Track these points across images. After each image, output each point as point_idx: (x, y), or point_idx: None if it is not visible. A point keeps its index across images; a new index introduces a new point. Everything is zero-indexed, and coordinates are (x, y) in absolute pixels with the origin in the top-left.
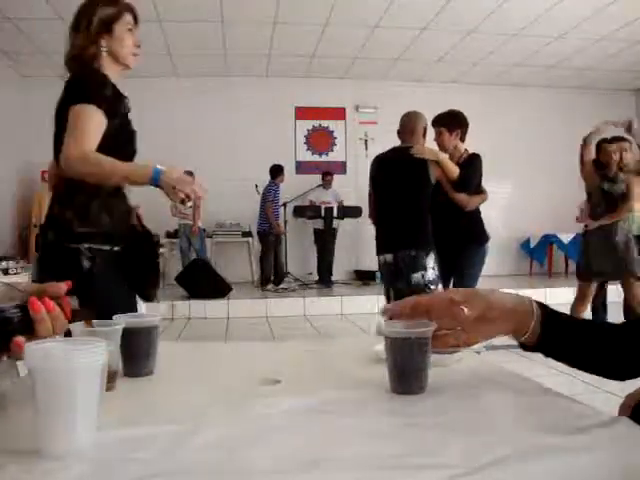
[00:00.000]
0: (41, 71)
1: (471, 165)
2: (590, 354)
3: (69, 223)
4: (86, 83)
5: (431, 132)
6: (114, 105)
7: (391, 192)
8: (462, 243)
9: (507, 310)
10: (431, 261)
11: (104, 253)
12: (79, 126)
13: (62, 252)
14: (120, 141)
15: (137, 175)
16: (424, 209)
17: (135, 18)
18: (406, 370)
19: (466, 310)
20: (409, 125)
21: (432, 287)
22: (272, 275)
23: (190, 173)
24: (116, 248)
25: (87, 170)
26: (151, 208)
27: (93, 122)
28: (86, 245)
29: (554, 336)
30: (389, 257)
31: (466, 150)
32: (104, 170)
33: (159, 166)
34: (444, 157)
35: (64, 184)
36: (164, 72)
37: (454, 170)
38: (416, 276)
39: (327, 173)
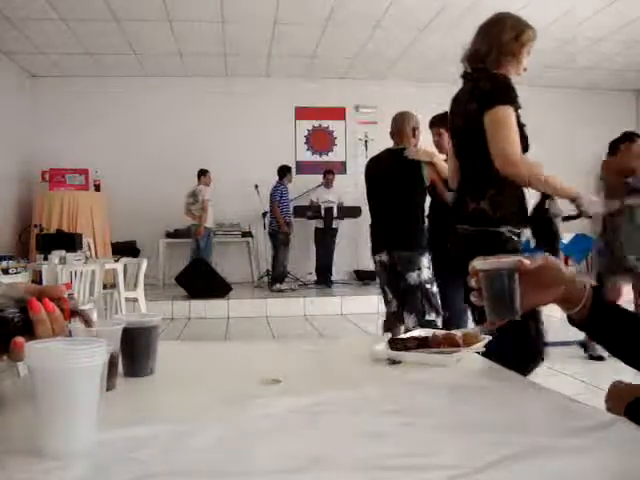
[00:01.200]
0: (48, 71)
1: None
2: (634, 346)
3: (486, 212)
4: (505, 86)
5: (428, 133)
6: (518, 102)
7: (385, 193)
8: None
9: (561, 275)
10: (425, 261)
11: (518, 234)
12: (509, 128)
13: (485, 237)
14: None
15: (565, 192)
16: (418, 209)
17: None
18: (499, 298)
19: (526, 261)
20: (397, 126)
21: (427, 286)
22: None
23: (205, 172)
24: (524, 230)
25: (524, 173)
26: (153, 209)
27: (514, 123)
28: (506, 228)
29: (602, 318)
30: (384, 257)
31: None
32: (542, 182)
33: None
34: (438, 158)
35: (475, 180)
36: (164, 72)
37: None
38: (413, 275)
39: (329, 172)
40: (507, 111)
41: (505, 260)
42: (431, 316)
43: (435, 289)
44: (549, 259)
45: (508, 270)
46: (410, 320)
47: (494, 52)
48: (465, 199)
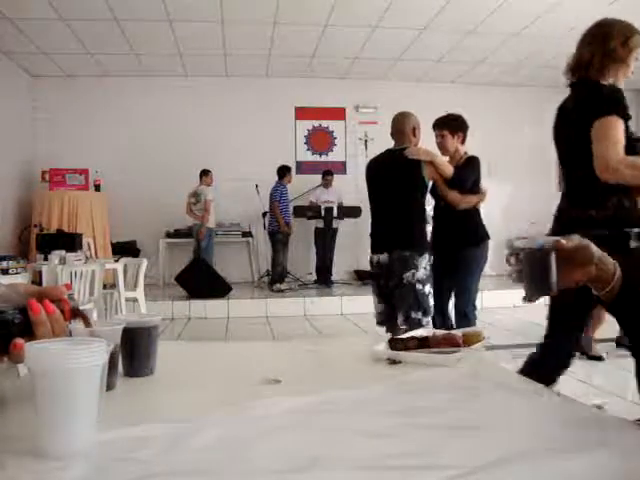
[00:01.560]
0: (48, 71)
1: (467, 165)
2: None
3: (598, 218)
4: (611, 97)
5: (428, 133)
6: (628, 113)
7: (386, 193)
8: (458, 243)
9: (593, 256)
10: (423, 261)
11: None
12: (612, 135)
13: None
14: (628, 144)
15: None
16: (419, 209)
17: None
18: (537, 274)
19: (563, 241)
20: (397, 126)
21: (419, 287)
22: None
23: (207, 172)
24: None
25: (633, 173)
26: (153, 209)
27: (617, 134)
28: (636, 230)
29: (629, 300)
30: (383, 257)
31: (465, 153)
32: None
33: None
34: (439, 158)
35: (583, 189)
36: (164, 72)
37: (449, 170)
38: (407, 275)
39: (327, 172)
40: (611, 122)
41: (543, 239)
42: (418, 315)
43: (427, 289)
44: (583, 240)
45: (546, 248)
46: (399, 317)
47: (597, 58)
48: (574, 206)
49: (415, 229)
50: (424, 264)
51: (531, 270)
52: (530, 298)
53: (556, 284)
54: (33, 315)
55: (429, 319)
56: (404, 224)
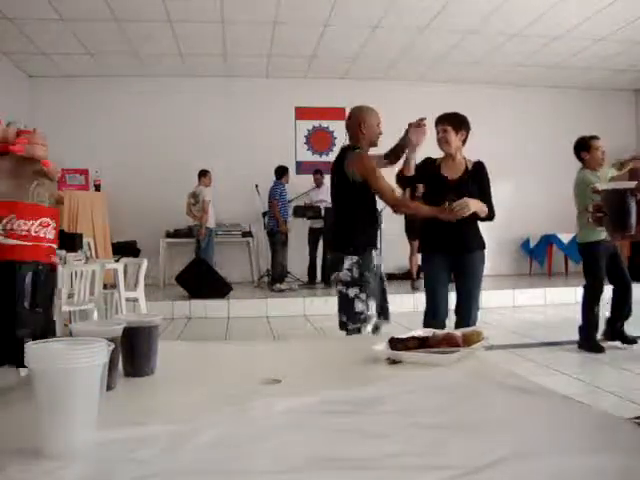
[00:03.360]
0: (47, 71)
1: (484, 172)
2: None
3: None
4: None
5: (431, 132)
6: None
7: (332, 191)
8: (469, 247)
9: None
10: (348, 262)
11: None
12: None
13: None
14: None
15: None
16: (349, 209)
17: None
18: (616, 213)
19: None
20: (347, 122)
21: (341, 288)
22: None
23: (205, 173)
24: None
25: None
26: (153, 209)
27: None
28: None
29: None
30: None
31: (464, 157)
32: None
33: None
34: (480, 206)
35: None
36: (164, 72)
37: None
38: (334, 275)
39: (316, 172)
40: None
41: (625, 182)
42: (343, 318)
43: (352, 293)
44: None
45: (625, 189)
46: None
47: None
48: None
49: (343, 229)
50: (348, 265)
51: (610, 208)
52: (611, 236)
53: (634, 225)
54: (19, 152)
55: (359, 326)
56: (338, 224)
